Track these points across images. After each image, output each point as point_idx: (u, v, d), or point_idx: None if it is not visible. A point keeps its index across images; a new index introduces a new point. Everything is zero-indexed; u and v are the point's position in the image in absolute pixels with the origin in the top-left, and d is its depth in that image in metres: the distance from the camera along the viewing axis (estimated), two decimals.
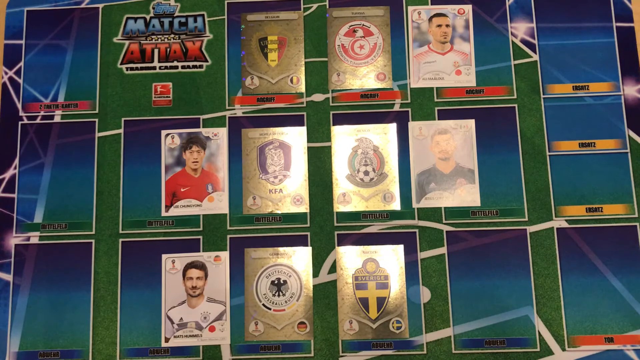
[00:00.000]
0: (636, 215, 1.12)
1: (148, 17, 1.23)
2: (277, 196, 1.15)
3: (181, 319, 1.11)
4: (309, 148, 1.17)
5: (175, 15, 1.24)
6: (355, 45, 1.21)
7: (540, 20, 1.21)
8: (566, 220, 1.12)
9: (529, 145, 1.15)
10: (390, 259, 1.12)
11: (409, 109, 1.18)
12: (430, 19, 1.22)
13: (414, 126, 1.17)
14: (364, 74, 1.20)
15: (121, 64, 1.22)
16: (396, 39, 1.21)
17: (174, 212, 1.15)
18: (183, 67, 1.21)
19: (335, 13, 1.23)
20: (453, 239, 1.12)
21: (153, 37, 1.23)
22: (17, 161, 1.17)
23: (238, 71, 1.21)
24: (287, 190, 1.15)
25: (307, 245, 1.13)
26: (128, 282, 1.12)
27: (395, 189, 1.15)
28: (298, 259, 1.12)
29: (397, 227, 1.13)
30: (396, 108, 1.18)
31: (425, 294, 1.10)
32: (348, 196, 1.15)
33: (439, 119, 1.17)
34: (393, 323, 1.10)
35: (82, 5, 1.24)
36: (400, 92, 1.19)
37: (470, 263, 1.11)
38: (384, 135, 1.17)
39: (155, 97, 1.20)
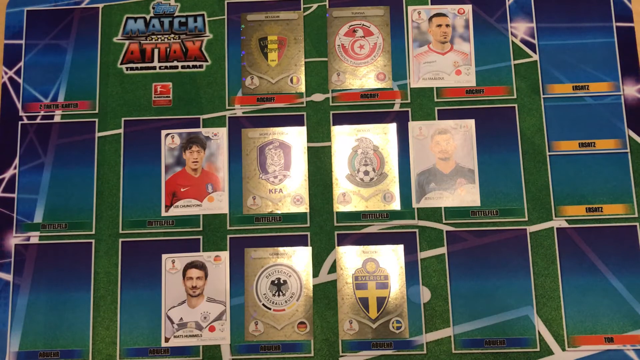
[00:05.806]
0: (636, 215, 1.12)
1: (148, 17, 1.23)
2: (277, 196, 1.15)
3: (181, 318, 1.11)
4: (309, 148, 1.17)
5: (175, 15, 1.24)
6: (355, 45, 1.21)
7: (540, 20, 1.21)
8: (566, 220, 1.12)
9: (529, 145, 1.15)
10: (390, 259, 1.12)
11: (409, 109, 1.18)
12: (430, 19, 1.22)
13: (414, 126, 1.17)
14: (364, 74, 1.20)
15: (121, 63, 1.22)
16: (396, 39, 1.21)
17: (174, 212, 1.15)
18: (183, 67, 1.21)
19: (335, 13, 1.23)
20: (453, 239, 1.12)
21: (153, 37, 1.23)
22: (17, 161, 1.17)
23: (238, 71, 1.21)
24: (287, 190, 1.15)
25: (307, 245, 1.13)
26: (128, 282, 1.12)
27: (395, 188, 1.15)
28: (298, 259, 1.12)
29: (397, 227, 1.13)
30: (396, 108, 1.18)
31: (425, 294, 1.10)
32: (348, 196, 1.15)
33: (439, 119, 1.17)
34: (393, 323, 1.10)
35: (82, 5, 1.24)
36: (400, 92, 1.19)
37: (470, 263, 1.11)
38: (384, 135, 1.17)
39: (155, 97, 1.20)
